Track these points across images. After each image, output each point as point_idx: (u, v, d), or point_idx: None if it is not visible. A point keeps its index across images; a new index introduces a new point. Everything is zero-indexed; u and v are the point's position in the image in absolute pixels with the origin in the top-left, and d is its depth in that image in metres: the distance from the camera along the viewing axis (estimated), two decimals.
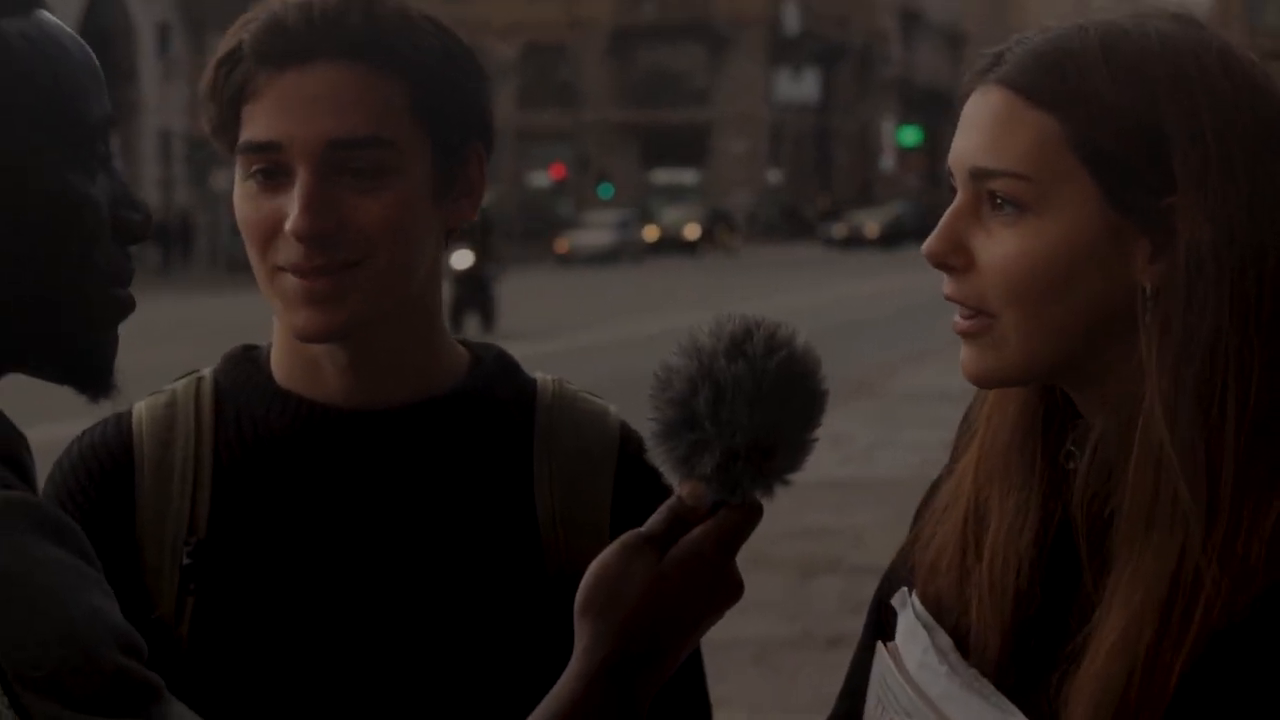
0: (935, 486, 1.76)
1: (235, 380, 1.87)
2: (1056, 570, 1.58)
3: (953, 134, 1.59)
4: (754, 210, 75.37)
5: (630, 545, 1.48)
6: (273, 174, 1.77)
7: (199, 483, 1.83)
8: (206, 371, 1.89)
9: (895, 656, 1.62)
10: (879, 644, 1.65)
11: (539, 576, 1.84)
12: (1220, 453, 1.46)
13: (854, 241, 65.38)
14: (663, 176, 77.54)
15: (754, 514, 1.49)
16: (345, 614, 1.81)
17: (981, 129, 1.55)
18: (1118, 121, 1.50)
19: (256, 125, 1.78)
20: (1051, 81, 1.52)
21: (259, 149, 1.78)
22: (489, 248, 26.06)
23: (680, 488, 1.50)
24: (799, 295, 33.78)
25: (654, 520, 1.49)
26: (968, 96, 1.59)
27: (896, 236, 63.90)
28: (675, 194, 74.30)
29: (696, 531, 1.49)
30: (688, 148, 76.76)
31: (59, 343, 1.42)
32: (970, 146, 1.56)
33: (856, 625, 1.80)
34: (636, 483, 1.86)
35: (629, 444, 1.88)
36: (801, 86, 75.63)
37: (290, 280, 1.77)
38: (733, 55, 76.12)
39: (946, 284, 1.57)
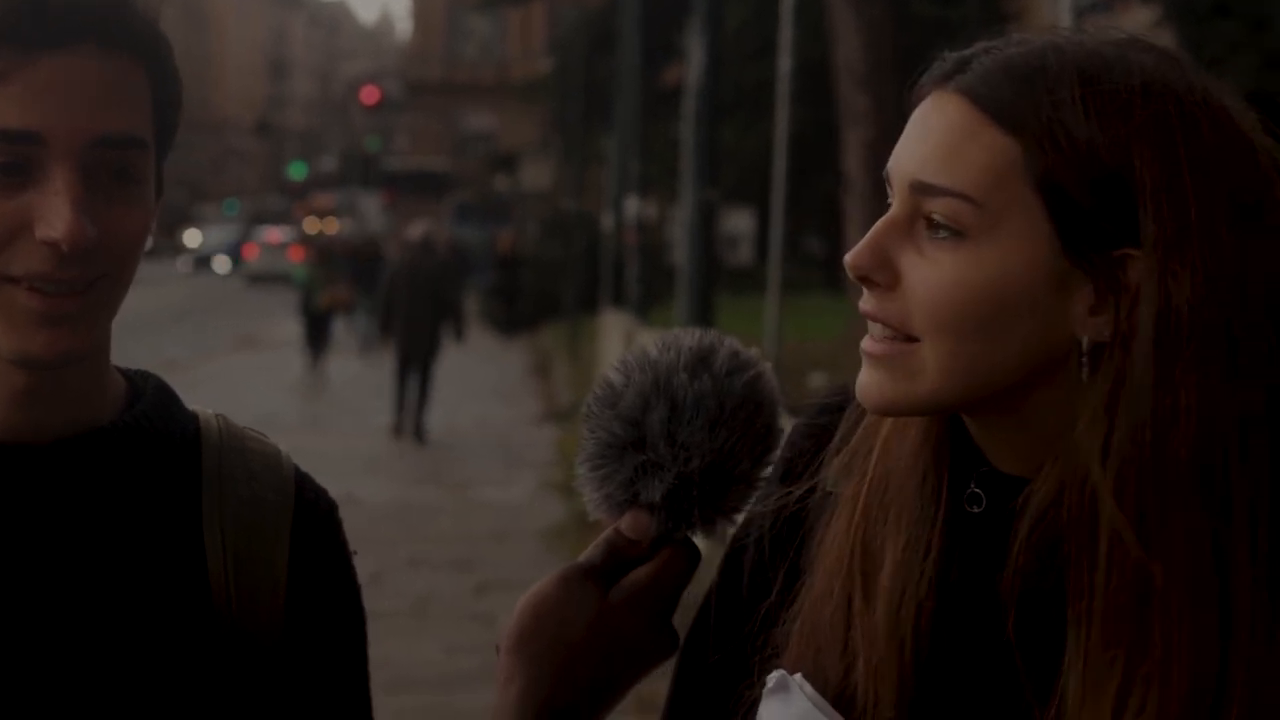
0: (749, 520, 1.56)
1: None
2: (962, 622, 1.43)
3: None
4: None
5: (571, 578, 1.32)
6: (13, 170, 1.51)
7: None
8: None
9: None
10: None
11: (208, 628, 1.63)
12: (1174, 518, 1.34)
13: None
14: None
15: (695, 556, 1.36)
16: None
17: (932, 140, 1.39)
18: (1086, 160, 1.34)
19: (4, 112, 1.50)
20: (1020, 103, 1.36)
21: (8, 139, 1.50)
22: None
23: (622, 518, 1.33)
24: None
25: (592, 552, 1.33)
26: (920, 100, 1.42)
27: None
28: None
29: (644, 570, 1.33)
30: None
31: None
32: (915, 157, 1.39)
33: None
34: (313, 531, 1.70)
35: (305, 490, 1.71)
36: None
37: (24, 295, 1.51)
38: None
39: (865, 299, 1.41)
